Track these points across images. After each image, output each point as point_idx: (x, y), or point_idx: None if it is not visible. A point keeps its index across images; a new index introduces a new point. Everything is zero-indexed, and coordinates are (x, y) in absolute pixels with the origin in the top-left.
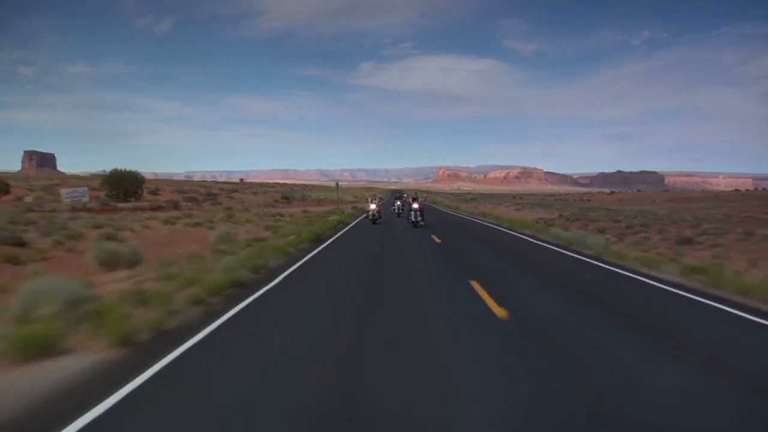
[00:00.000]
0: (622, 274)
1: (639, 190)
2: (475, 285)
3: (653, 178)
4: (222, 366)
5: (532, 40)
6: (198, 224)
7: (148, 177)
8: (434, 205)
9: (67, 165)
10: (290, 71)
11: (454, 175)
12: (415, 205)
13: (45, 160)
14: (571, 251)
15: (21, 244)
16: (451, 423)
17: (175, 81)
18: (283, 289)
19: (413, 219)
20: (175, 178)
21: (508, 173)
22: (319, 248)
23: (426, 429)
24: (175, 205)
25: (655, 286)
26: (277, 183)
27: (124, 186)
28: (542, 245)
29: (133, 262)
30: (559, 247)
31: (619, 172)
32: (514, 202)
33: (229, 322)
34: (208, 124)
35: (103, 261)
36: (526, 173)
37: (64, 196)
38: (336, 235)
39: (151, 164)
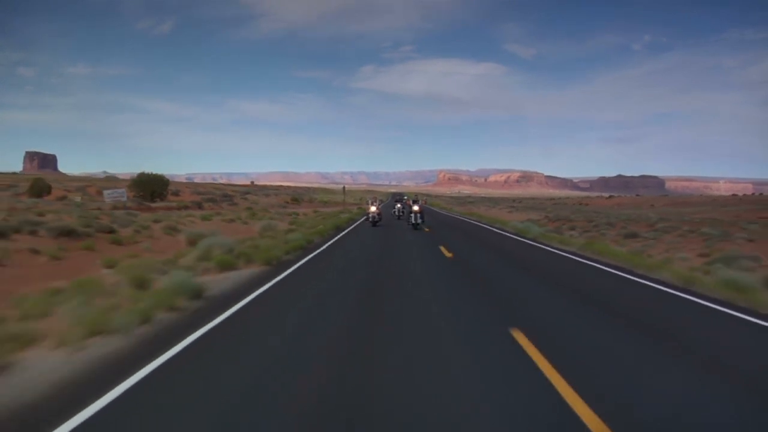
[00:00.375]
0: (540, 247)
1: (638, 195)
2: (443, 248)
3: (654, 182)
4: (317, 269)
5: (532, 43)
6: (232, 220)
7: None
8: (431, 207)
9: (67, 166)
10: (291, 74)
11: (455, 178)
12: (416, 208)
13: (46, 161)
14: (518, 236)
15: (112, 231)
16: None
17: (176, 83)
18: (329, 249)
19: (413, 221)
20: (176, 179)
21: (508, 177)
22: (342, 233)
23: None
24: (199, 205)
25: (555, 252)
26: (281, 186)
27: (151, 187)
28: (499, 232)
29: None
30: (510, 234)
31: (619, 176)
32: (508, 205)
33: (309, 260)
34: (208, 126)
35: (191, 239)
36: (526, 177)
37: (106, 196)
38: (351, 227)
39: (151, 166)
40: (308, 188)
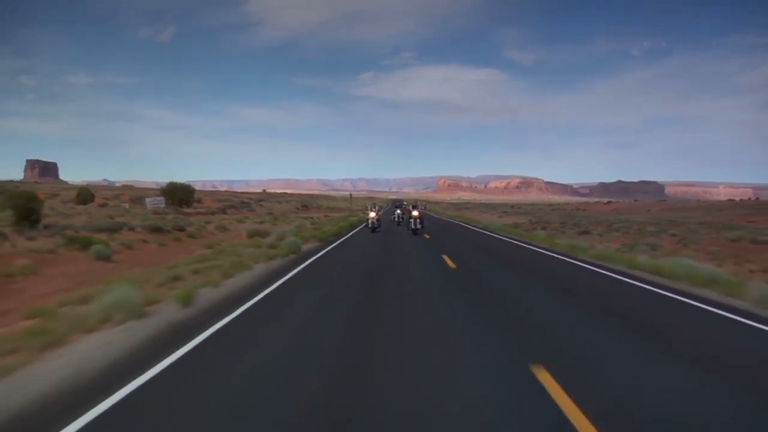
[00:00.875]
0: (496, 237)
1: (635, 200)
2: (427, 236)
3: (654, 187)
4: (352, 242)
5: (531, 49)
6: (261, 222)
7: (149, 186)
8: (428, 213)
9: (68, 174)
10: (291, 81)
11: (455, 185)
12: (415, 213)
13: (47, 169)
14: (486, 231)
15: (182, 229)
16: None
17: (176, 91)
18: (351, 239)
19: (413, 226)
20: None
21: (508, 183)
22: (357, 229)
23: None
24: (223, 211)
25: (507, 240)
26: (285, 193)
27: (179, 195)
28: (473, 228)
29: (266, 234)
30: (480, 229)
31: (619, 182)
32: (501, 211)
33: (341, 242)
34: (209, 134)
35: (250, 234)
36: (526, 183)
37: (148, 203)
38: (362, 225)
39: (152, 173)
40: (312, 195)
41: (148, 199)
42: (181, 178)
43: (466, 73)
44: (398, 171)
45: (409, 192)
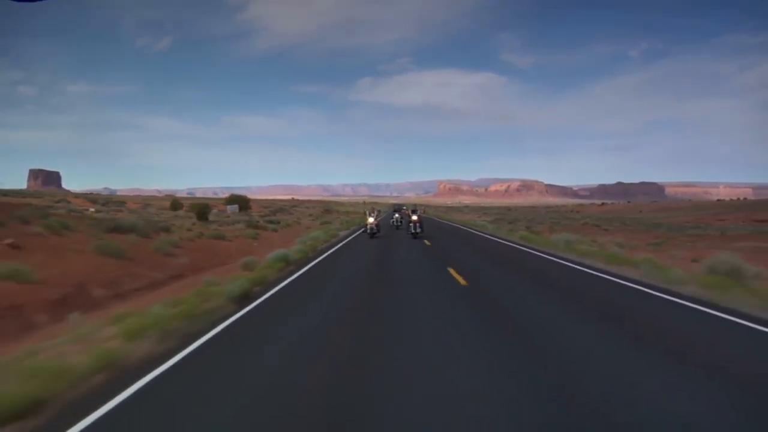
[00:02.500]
0: (456, 226)
1: (629, 202)
2: (414, 217)
3: (653, 189)
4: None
5: (529, 53)
6: (313, 219)
7: (151, 194)
8: (426, 216)
9: (71, 183)
10: (289, 88)
11: (455, 188)
12: (414, 217)
13: (50, 179)
14: (454, 224)
15: (273, 223)
16: None
17: (176, 99)
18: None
19: (413, 230)
20: (178, 194)
21: (508, 186)
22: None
23: None
24: (274, 214)
25: (459, 227)
26: (310, 200)
27: (241, 203)
28: (448, 223)
29: (328, 223)
30: (452, 224)
31: (619, 183)
32: (482, 212)
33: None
34: (208, 141)
35: (321, 223)
36: (526, 186)
37: (229, 210)
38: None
39: (153, 182)
40: (323, 201)
41: (230, 207)
42: (182, 186)
43: (463, 78)
44: (399, 176)
45: (410, 197)
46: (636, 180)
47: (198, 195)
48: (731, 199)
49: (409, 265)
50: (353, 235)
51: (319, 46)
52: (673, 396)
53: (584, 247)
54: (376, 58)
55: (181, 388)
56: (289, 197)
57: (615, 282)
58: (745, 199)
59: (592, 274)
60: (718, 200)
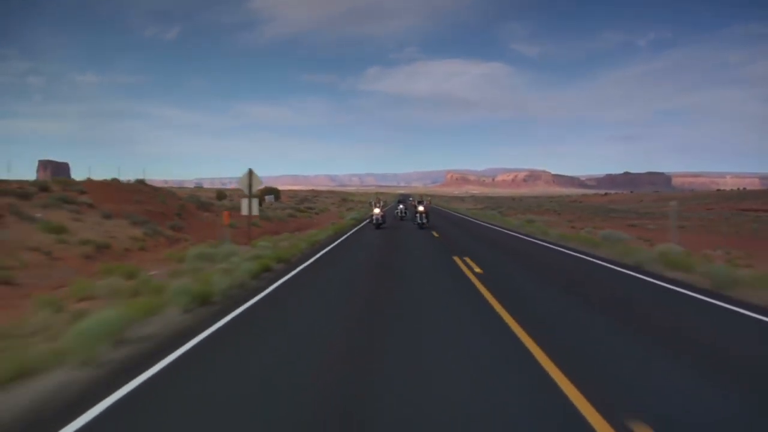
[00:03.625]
0: (449, 212)
1: (632, 191)
2: (420, 208)
3: (660, 179)
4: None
5: (537, 42)
6: (338, 207)
7: (158, 184)
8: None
9: (79, 173)
10: (298, 77)
11: (463, 178)
12: (420, 208)
13: (59, 169)
14: (450, 211)
15: (310, 209)
16: None
17: (184, 89)
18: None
19: (418, 221)
20: (186, 185)
21: (515, 176)
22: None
23: None
24: (301, 203)
25: (451, 213)
26: (331, 191)
27: (274, 194)
28: (444, 210)
29: (352, 209)
30: (449, 211)
31: (626, 173)
32: (478, 201)
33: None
34: (216, 131)
35: (347, 209)
36: (533, 176)
37: (267, 200)
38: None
39: (161, 172)
40: (338, 192)
41: (267, 197)
42: (189, 176)
43: (471, 67)
44: (406, 166)
45: (418, 186)
46: (643, 170)
47: (206, 186)
48: (731, 189)
49: (410, 222)
50: None
51: (327, 35)
52: (523, 275)
53: (515, 222)
54: (385, 48)
55: (349, 240)
56: (301, 188)
57: (513, 235)
58: (744, 189)
59: (506, 233)
60: (718, 190)
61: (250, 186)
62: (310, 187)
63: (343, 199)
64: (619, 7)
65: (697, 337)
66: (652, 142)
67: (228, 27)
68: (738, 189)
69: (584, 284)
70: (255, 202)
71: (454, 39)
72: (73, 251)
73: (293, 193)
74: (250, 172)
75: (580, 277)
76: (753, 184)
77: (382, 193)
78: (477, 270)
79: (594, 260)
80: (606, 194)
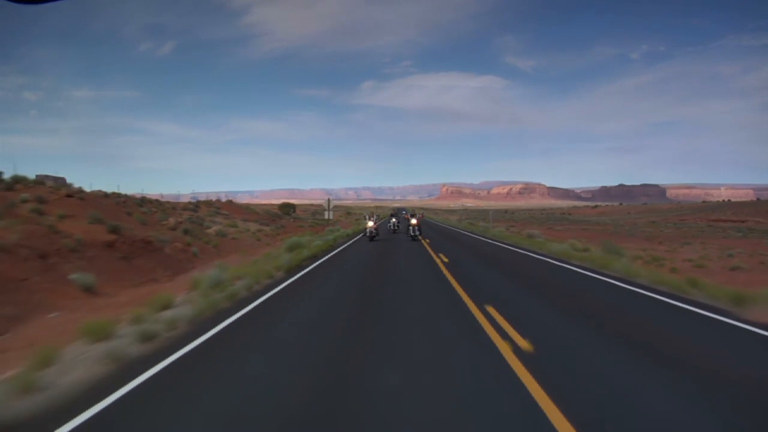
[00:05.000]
0: (432, 222)
1: (621, 204)
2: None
3: (655, 191)
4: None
5: (531, 56)
6: (348, 216)
7: (154, 198)
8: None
9: None
10: (292, 92)
11: (458, 192)
12: (413, 221)
13: (56, 184)
14: (438, 222)
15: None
16: None
17: (179, 104)
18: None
19: (411, 233)
20: (182, 199)
21: (510, 189)
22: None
23: None
24: (314, 215)
25: (434, 222)
26: (320, 206)
27: (287, 210)
28: (433, 222)
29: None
30: (437, 222)
31: (620, 185)
32: (463, 214)
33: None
34: (212, 146)
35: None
36: (528, 189)
37: (308, 214)
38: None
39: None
40: (343, 206)
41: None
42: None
43: (466, 81)
44: (402, 179)
45: (413, 200)
46: (638, 182)
47: (201, 199)
48: (717, 201)
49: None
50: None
51: (322, 49)
52: (484, 270)
53: (482, 228)
54: (379, 62)
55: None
56: (297, 201)
57: (478, 238)
58: (728, 200)
59: (472, 236)
60: (704, 202)
61: (329, 203)
62: (307, 201)
63: (348, 212)
64: (612, 20)
65: (516, 263)
66: (647, 154)
67: (222, 42)
68: (722, 201)
69: (489, 255)
70: (332, 213)
71: (449, 53)
72: (243, 236)
73: (305, 207)
74: (329, 200)
75: (489, 251)
76: (747, 196)
77: (378, 207)
78: (428, 242)
79: (498, 244)
80: (596, 206)
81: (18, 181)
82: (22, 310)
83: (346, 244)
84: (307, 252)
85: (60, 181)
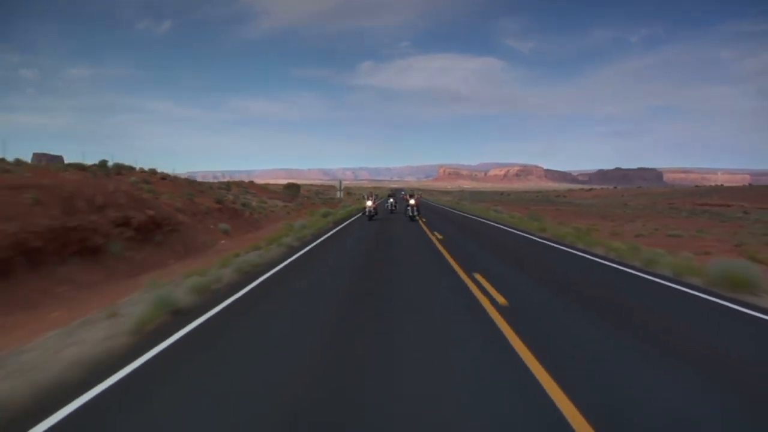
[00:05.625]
0: (428, 202)
1: (615, 187)
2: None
3: (652, 174)
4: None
5: (530, 38)
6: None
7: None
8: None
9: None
10: (291, 72)
11: (455, 173)
12: (412, 201)
13: (53, 162)
14: (432, 202)
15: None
16: None
17: (177, 83)
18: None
19: (410, 214)
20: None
21: (507, 171)
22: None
23: None
24: (317, 195)
25: (428, 202)
26: (322, 185)
27: (293, 190)
28: (428, 201)
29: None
30: (431, 202)
31: (617, 169)
32: (457, 195)
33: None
34: (209, 125)
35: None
36: (525, 171)
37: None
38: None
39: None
40: (330, 186)
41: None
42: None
43: (464, 62)
44: (399, 160)
45: (410, 181)
46: (635, 165)
47: (198, 179)
48: (709, 186)
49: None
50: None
51: (320, 29)
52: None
53: (468, 206)
54: (378, 42)
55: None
56: (295, 181)
57: (459, 214)
58: (721, 185)
59: (455, 212)
60: (696, 186)
61: (340, 185)
62: (306, 181)
63: (348, 192)
64: (611, 3)
65: (488, 234)
66: (645, 138)
67: (221, 20)
68: (716, 185)
69: (467, 226)
70: (342, 192)
71: (447, 34)
72: (276, 210)
73: (307, 187)
74: (340, 182)
75: (468, 224)
76: (743, 181)
77: (375, 188)
78: (422, 221)
79: (474, 218)
80: (591, 189)
81: (120, 167)
82: (208, 238)
83: (359, 215)
84: (338, 216)
85: (57, 160)
